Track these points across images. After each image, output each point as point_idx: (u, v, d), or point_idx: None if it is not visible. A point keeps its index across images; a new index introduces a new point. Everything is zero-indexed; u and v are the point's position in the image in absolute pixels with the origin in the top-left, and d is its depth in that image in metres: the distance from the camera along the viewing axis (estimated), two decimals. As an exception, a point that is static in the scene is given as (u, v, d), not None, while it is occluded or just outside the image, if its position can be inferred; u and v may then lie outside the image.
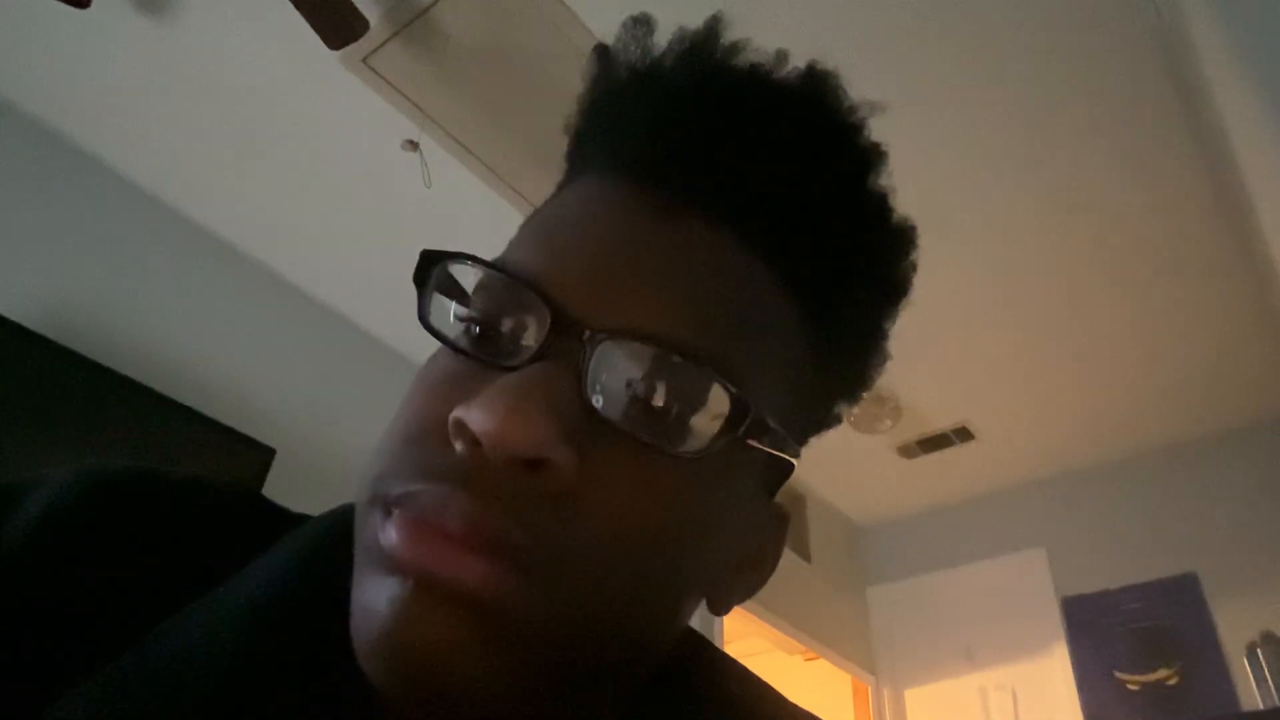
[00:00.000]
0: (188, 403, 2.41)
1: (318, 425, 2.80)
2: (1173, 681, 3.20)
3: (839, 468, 3.88)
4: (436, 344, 0.34)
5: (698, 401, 0.32)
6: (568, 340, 0.31)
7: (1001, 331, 3.06)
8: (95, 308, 2.41)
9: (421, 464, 0.30)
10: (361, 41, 2.04)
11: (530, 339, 0.32)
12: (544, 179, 2.45)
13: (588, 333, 0.31)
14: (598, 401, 0.30)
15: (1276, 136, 1.50)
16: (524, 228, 0.39)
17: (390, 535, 0.29)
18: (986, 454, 3.76)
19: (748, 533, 0.38)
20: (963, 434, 3.64)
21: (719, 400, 0.32)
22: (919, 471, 3.91)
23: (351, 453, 2.78)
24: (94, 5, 1.89)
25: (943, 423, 3.57)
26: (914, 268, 0.41)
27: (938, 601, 3.98)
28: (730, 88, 0.38)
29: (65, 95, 2.38)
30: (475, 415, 0.28)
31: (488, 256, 0.34)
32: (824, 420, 0.42)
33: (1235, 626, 3.11)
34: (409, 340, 3.13)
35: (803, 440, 0.41)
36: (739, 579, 0.39)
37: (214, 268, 2.78)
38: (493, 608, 0.28)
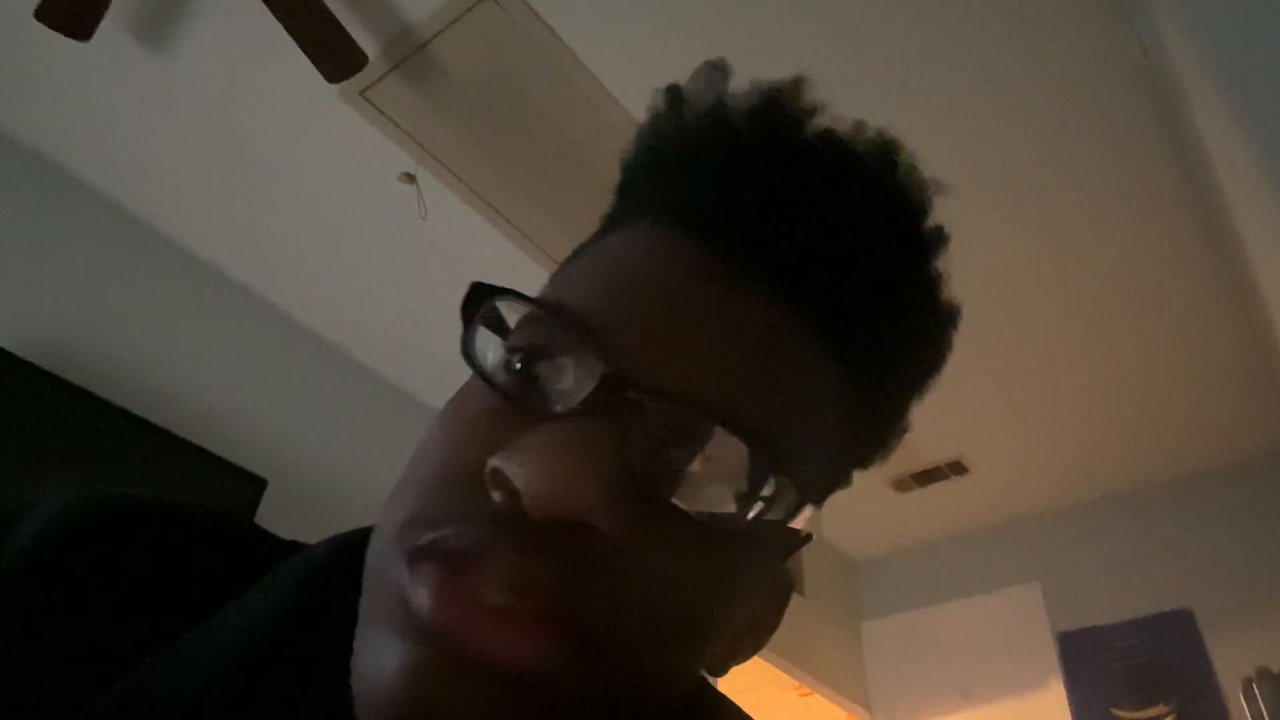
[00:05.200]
0: (179, 432, 2.39)
1: (310, 456, 2.78)
2: (1170, 718, 3.17)
3: (832, 501, 3.86)
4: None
5: (744, 477, 0.31)
6: (617, 396, 0.29)
7: (995, 366, 3.07)
8: (86, 336, 2.41)
9: (454, 508, 0.29)
10: (360, 75, 2.06)
11: (577, 388, 0.30)
12: (539, 213, 2.47)
13: (639, 392, 0.30)
14: (642, 464, 0.29)
15: (1262, 172, 1.52)
16: (572, 267, 0.38)
17: (419, 594, 0.27)
18: (980, 488, 3.76)
19: (757, 598, 0.38)
20: (956, 468, 3.63)
21: (765, 479, 0.31)
22: (913, 505, 3.90)
23: (344, 484, 2.77)
24: (94, 37, 1.91)
25: (936, 456, 3.56)
26: (951, 347, 0.40)
27: (933, 637, 3.95)
28: (802, 154, 0.37)
29: (64, 126, 2.39)
30: (517, 469, 0.27)
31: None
32: (842, 483, 0.42)
33: (1231, 662, 3.09)
34: (403, 372, 3.12)
35: (821, 503, 0.41)
36: (741, 643, 0.38)
37: (207, 297, 2.77)
38: (527, 679, 0.27)
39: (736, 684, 3.92)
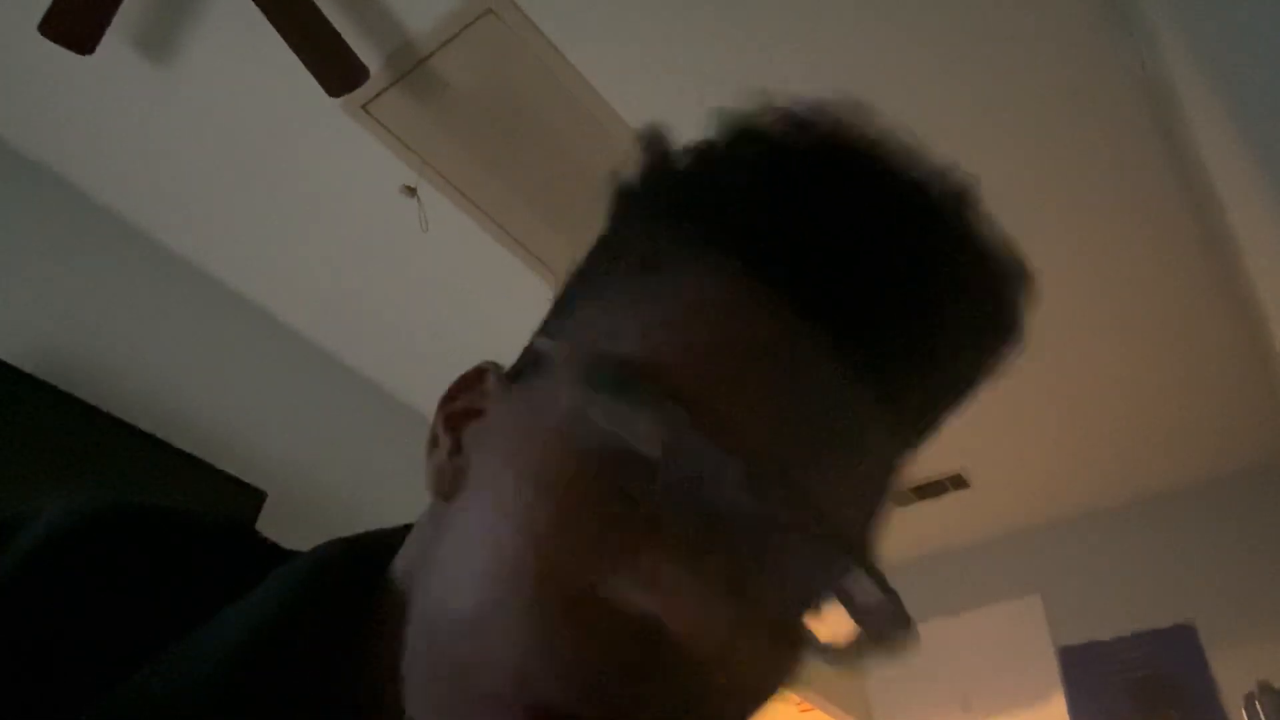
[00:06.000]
0: (178, 444, 2.39)
1: (309, 468, 2.78)
2: (1172, 733, 3.16)
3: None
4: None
5: (846, 596, 0.30)
6: (763, 506, 0.27)
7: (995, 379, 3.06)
8: (88, 348, 2.41)
9: (580, 651, 0.27)
10: (361, 89, 2.07)
11: (710, 490, 0.27)
12: (540, 225, 2.47)
13: (789, 508, 0.28)
14: (779, 595, 0.28)
15: (1259, 183, 1.52)
16: (646, 314, 0.33)
17: None
18: (981, 501, 3.75)
19: None
20: (957, 481, 3.63)
21: (866, 596, 0.30)
22: (913, 518, 3.88)
23: (344, 497, 2.76)
24: (97, 51, 1.92)
25: (937, 470, 3.56)
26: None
27: (934, 650, 3.93)
28: (888, 204, 0.33)
29: (67, 139, 2.40)
30: (667, 610, 0.26)
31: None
32: None
33: (1234, 677, 3.08)
34: (402, 383, 3.12)
35: None
36: None
37: (208, 308, 2.78)
38: None
39: (737, 698, 3.90)
